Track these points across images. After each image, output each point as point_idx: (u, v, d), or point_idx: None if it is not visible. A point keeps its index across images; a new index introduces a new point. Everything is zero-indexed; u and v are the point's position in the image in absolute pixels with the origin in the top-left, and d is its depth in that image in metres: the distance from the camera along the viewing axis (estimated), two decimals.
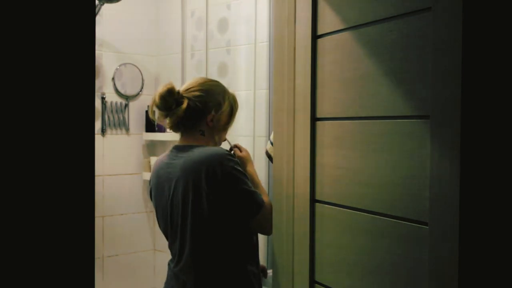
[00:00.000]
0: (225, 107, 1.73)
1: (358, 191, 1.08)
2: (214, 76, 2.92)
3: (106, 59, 3.17)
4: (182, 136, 1.76)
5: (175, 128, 1.74)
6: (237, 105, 1.80)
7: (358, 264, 1.08)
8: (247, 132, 2.69)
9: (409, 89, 0.96)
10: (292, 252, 1.25)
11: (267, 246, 2.55)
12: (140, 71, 3.31)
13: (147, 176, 3.33)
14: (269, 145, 1.83)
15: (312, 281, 1.20)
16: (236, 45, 2.80)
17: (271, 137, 1.72)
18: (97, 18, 3.02)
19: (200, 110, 1.69)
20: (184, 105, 1.67)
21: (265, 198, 1.64)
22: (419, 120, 0.94)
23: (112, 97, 3.21)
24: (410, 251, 0.96)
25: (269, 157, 1.78)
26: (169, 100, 1.67)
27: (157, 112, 1.72)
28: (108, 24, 3.12)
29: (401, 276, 0.98)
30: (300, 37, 1.23)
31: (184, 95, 1.70)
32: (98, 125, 3.15)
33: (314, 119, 1.20)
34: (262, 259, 2.58)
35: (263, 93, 2.61)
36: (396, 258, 0.99)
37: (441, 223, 0.88)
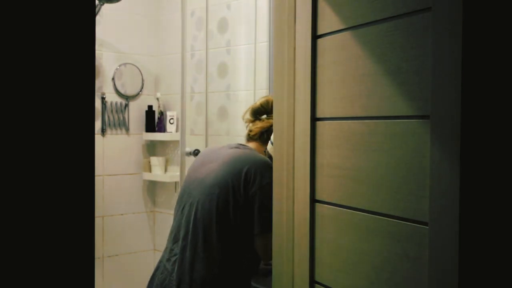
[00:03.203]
0: None
1: (358, 191, 1.08)
2: (214, 76, 2.92)
3: (106, 59, 3.17)
4: (247, 142, 1.89)
5: (255, 136, 1.86)
6: None
7: (358, 264, 1.08)
8: None
9: (409, 89, 0.96)
10: (292, 252, 1.25)
11: None
12: (140, 71, 3.31)
13: (147, 176, 3.33)
14: (269, 145, 1.83)
15: (312, 281, 1.20)
16: (236, 45, 2.80)
17: (271, 137, 1.72)
18: (97, 18, 3.02)
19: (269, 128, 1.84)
20: (267, 121, 1.83)
21: None
22: (419, 120, 0.94)
23: (112, 97, 3.21)
24: (410, 251, 0.96)
25: (269, 157, 1.78)
26: (262, 110, 1.85)
27: (248, 115, 1.89)
28: (108, 24, 3.12)
29: (401, 276, 0.98)
30: (300, 37, 1.23)
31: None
32: (98, 125, 3.15)
33: (314, 119, 1.19)
34: None
35: (263, 93, 2.61)
36: (396, 258, 0.99)
37: (441, 223, 0.88)
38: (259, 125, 1.84)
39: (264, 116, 1.86)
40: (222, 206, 1.67)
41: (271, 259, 1.54)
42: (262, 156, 1.77)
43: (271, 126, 1.81)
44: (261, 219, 1.64)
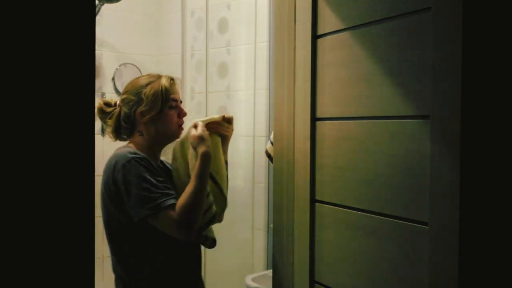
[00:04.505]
0: (147, 97, 1.64)
1: (358, 191, 1.08)
2: (214, 76, 2.92)
3: (106, 59, 3.17)
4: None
5: (115, 135, 1.76)
6: (164, 86, 1.68)
7: (358, 264, 1.08)
8: (247, 132, 2.69)
9: (409, 89, 0.96)
10: (292, 252, 1.25)
11: (267, 246, 2.55)
12: (140, 71, 3.31)
13: None
14: (269, 145, 1.83)
15: (312, 281, 1.20)
16: (236, 45, 2.80)
17: (271, 137, 1.72)
18: (97, 18, 3.02)
19: (128, 113, 1.67)
20: (115, 114, 1.71)
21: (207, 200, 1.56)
22: (419, 120, 0.94)
23: (112, 97, 3.20)
24: (410, 251, 0.96)
25: (269, 157, 1.78)
26: (103, 116, 1.73)
27: (107, 130, 1.77)
28: (108, 24, 3.12)
29: (401, 276, 0.98)
30: (300, 37, 1.23)
31: (118, 104, 1.72)
32: (98, 125, 3.15)
33: (314, 119, 1.20)
34: (262, 259, 2.58)
35: (263, 93, 2.61)
36: (396, 258, 0.99)
37: (441, 223, 0.88)
38: (108, 128, 1.73)
39: (110, 108, 1.72)
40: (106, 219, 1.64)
41: (183, 236, 1.47)
42: (111, 159, 1.64)
43: (117, 117, 1.69)
44: (134, 207, 1.53)
